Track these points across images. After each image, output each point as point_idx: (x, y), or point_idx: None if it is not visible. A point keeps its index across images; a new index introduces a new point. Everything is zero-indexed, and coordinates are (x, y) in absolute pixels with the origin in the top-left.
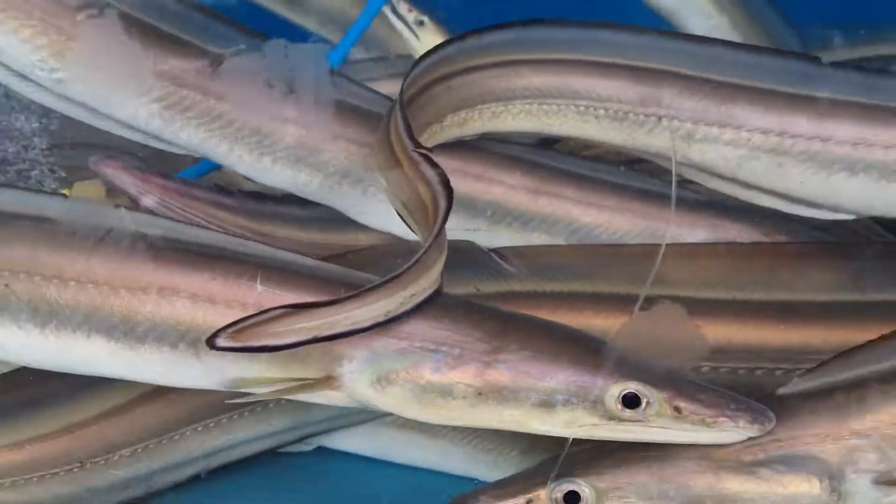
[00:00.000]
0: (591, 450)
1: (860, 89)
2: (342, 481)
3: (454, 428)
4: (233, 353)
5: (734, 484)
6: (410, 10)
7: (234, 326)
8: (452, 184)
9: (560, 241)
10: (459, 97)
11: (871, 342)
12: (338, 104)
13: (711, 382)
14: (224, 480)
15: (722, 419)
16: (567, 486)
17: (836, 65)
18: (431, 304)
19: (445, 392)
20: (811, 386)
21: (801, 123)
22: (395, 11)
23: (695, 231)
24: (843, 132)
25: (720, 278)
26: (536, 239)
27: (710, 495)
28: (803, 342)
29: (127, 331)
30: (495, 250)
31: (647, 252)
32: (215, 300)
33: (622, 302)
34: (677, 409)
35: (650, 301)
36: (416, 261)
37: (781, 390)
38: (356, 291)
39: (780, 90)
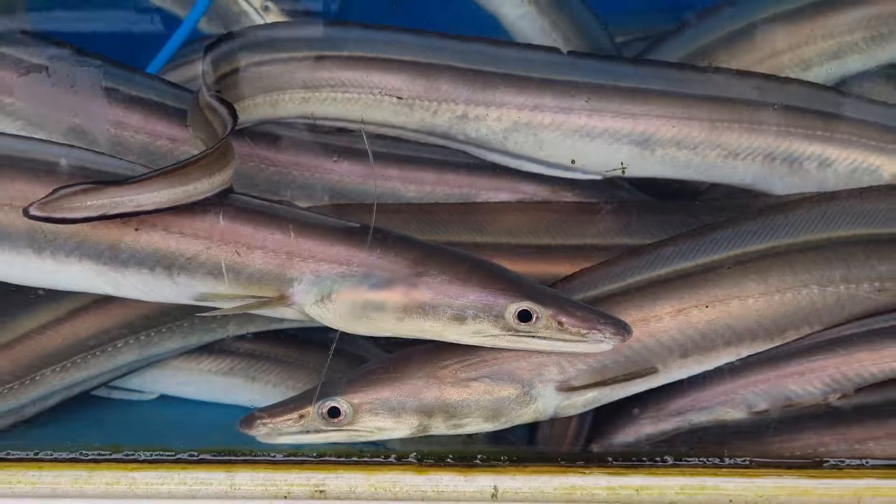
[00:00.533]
0: (351, 374)
1: (595, 73)
2: (156, 420)
3: (272, 372)
4: (199, 274)
5: (454, 393)
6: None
7: (47, 198)
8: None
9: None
10: (271, 81)
11: (563, 279)
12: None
13: None
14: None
15: (593, 331)
16: (330, 403)
17: (573, 53)
18: (364, 234)
19: (378, 308)
20: None
21: (547, 100)
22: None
23: (500, 193)
24: (579, 105)
25: (524, 228)
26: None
27: (436, 404)
28: None
29: (112, 257)
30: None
31: (464, 209)
32: (184, 232)
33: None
34: (560, 323)
35: (476, 247)
36: (199, 158)
37: None
38: (143, 175)
39: (531, 76)
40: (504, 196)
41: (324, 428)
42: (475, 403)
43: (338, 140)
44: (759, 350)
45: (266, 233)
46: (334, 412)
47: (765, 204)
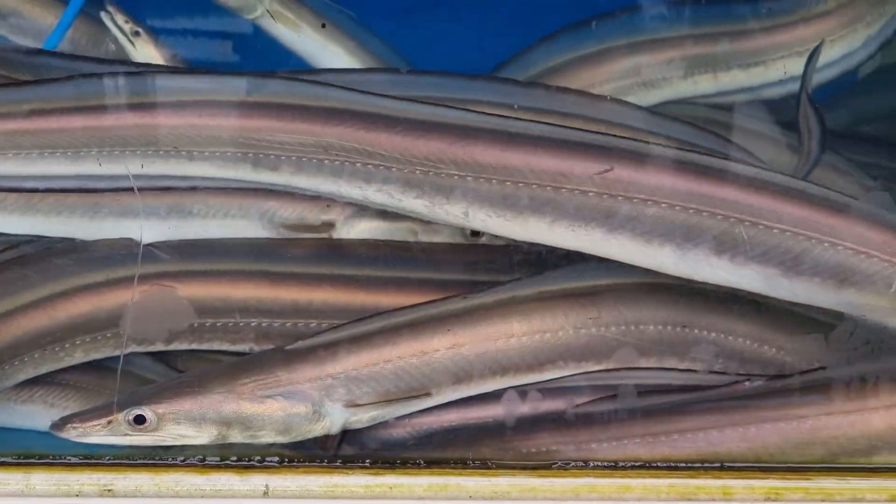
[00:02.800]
0: (158, 384)
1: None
2: None
3: (70, 398)
4: None
5: (250, 408)
6: (127, 22)
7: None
8: None
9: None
10: None
11: (354, 320)
12: None
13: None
14: None
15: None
16: (135, 411)
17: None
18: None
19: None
20: (307, 344)
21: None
22: (112, 21)
23: None
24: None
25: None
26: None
27: (234, 417)
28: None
29: None
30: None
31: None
32: None
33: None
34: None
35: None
36: None
37: (288, 347)
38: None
39: None
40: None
41: (129, 433)
42: (269, 418)
43: None
44: (524, 380)
45: None
46: (140, 419)
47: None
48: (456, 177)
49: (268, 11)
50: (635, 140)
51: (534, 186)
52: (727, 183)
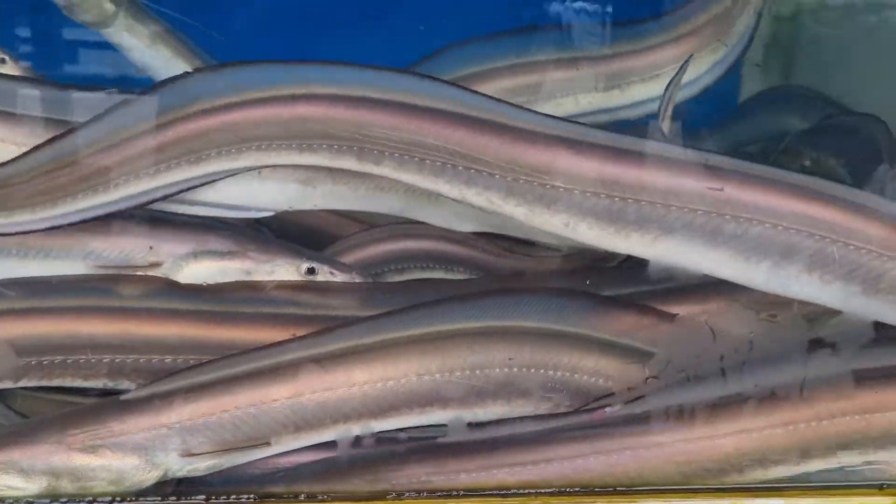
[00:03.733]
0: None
1: None
2: None
3: None
4: None
5: (80, 459)
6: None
7: None
8: None
9: (79, 264)
10: None
11: (190, 368)
12: None
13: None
14: None
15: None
16: None
17: None
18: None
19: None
20: (142, 393)
21: None
22: None
23: (184, 245)
24: None
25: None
26: (60, 265)
27: (64, 468)
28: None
29: None
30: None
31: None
32: None
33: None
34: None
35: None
36: None
37: (124, 396)
38: None
39: None
40: (187, 248)
41: None
42: (99, 469)
43: None
44: (367, 428)
45: None
46: None
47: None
48: (561, 189)
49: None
50: (742, 160)
51: (643, 203)
52: (825, 203)
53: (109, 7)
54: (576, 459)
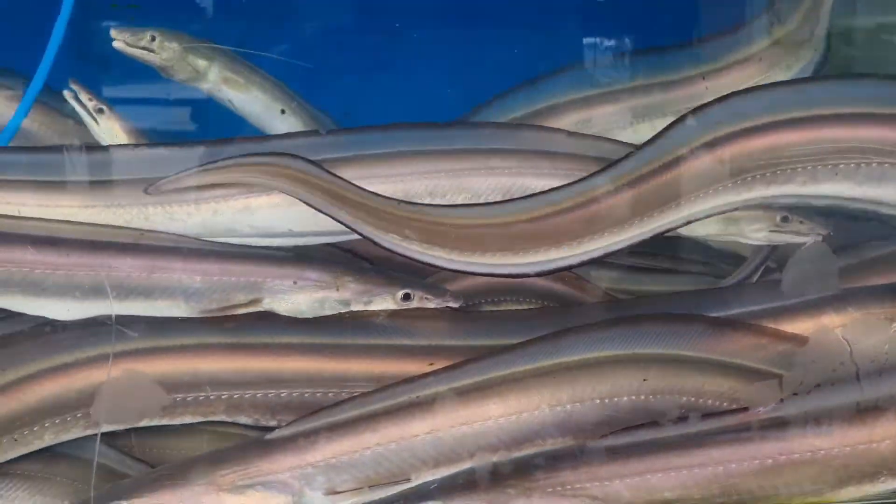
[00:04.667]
0: (137, 477)
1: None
2: None
3: (20, 488)
4: None
5: (230, 498)
6: (91, 99)
7: None
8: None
9: (181, 304)
10: None
11: (331, 406)
12: None
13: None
14: None
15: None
16: None
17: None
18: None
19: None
20: (286, 433)
21: None
22: (76, 99)
23: (285, 281)
24: None
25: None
26: (162, 305)
27: None
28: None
29: None
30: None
31: None
32: None
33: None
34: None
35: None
36: None
37: (268, 436)
38: None
39: None
40: (287, 283)
41: None
42: None
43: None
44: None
45: None
46: None
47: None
48: None
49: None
50: None
51: None
52: None
53: (203, 64)
54: (730, 463)
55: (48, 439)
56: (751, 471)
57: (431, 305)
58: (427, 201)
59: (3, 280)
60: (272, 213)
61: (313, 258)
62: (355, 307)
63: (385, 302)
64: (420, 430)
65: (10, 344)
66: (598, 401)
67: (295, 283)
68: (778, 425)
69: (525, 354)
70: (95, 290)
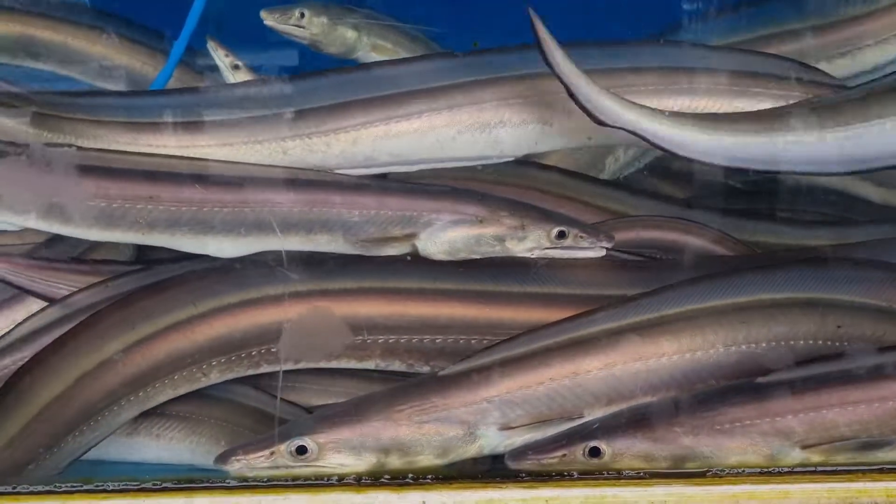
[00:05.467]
0: (316, 416)
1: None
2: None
3: (175, 429)
4: None
5: (407, 433)
6: (227, 55)
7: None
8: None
9: (339, 238)
10: None
11: (503, 342)
12: None
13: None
14: None
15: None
16: (297, 442)
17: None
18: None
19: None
20: (459, 368)
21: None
22: (216, 53)
23: (441, 215)
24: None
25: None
26: (321, 240)
27: (392, 444)
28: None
29: None
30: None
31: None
32: None
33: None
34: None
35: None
36: None
37: (441, 372)
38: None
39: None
40: (445, 217)
41: (291, 464)
42: (427, 443)
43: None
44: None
45: None
46: (302, 450)
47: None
48: None
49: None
50: None
51: None
52: None
53: (352, 35)
54: None
55: (214, 377)
56: None
57: (585, 245)
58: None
59: (172, 219)
60: (412, 139)
61: (467, 192)
62: (510, 244)
63: (539, 239)
64: (593, 367)
65: (183, 282)
66: (773, 343)
67: (451, 218)
68: None
69: (699, 291)
70: (259, 226)
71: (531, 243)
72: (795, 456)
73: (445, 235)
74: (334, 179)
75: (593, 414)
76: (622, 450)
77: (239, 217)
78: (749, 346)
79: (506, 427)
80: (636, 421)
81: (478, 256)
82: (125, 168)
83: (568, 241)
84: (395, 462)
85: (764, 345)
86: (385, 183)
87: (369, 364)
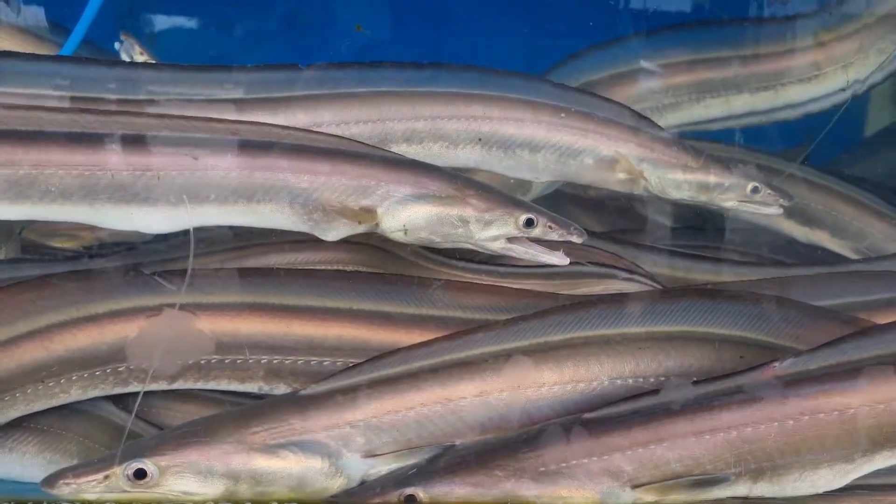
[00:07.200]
0: (159, 436)
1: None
2: None
3: (29, 443)
4: None
5: (261, 462)
6: (142, 53)
7: None
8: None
9: (286, 209)
10: None
11: (372, 359)
12: None
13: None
14: None
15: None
16: (135, 465)
17: None
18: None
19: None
20: (323, 388)
21: None
22: (128, 54)
23: (400, 187)
24: None
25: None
26: (264, 209)
27: (243, 471)
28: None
29: None
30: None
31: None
32: None
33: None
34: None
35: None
36: None
37: (303, 392)
38: None
39: None
40: (406, 190)
41: (128, 489)
42: (281, 471)
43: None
44: None
45: None
46: (140, 473)
47: (565, 301)
48: None
49: None
50: None
51: None
52: None
53: None
54: (744, 427)
55: (75, 394)
56: (769, 435)
57: (555, 236)
58: (404, 146)
59: (88, 186)
60: None
61: (433, 167)
62: (474, 228)
63: (506, 226)
64: (468, 393)
65: (44, 285)
66: (662, 378)
67: (413, 193)
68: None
69: (586, 319)
70: (191, 194)
71: (496, 230)
72: (626, 497)
73: (405, 211)
74: (280, 139)
75: (465, 441)
76: (440, 496)
77: (166, 182)
78: (637, 381)
79: (370, 454)
80: (455, 464)
81: (438, 241)
82: (33, 130)
83: (536, 232)
84: (245, 492)
85: (653, 380)
86: (341, 144)
87: (252, 387)
